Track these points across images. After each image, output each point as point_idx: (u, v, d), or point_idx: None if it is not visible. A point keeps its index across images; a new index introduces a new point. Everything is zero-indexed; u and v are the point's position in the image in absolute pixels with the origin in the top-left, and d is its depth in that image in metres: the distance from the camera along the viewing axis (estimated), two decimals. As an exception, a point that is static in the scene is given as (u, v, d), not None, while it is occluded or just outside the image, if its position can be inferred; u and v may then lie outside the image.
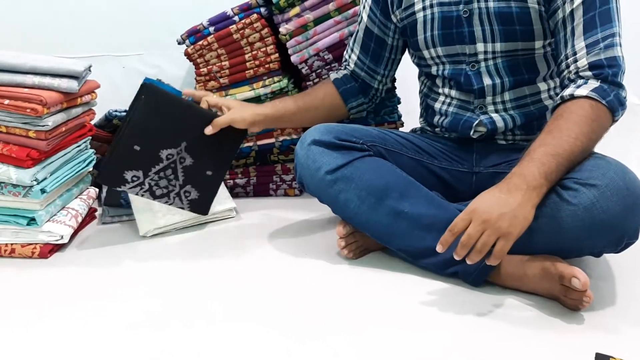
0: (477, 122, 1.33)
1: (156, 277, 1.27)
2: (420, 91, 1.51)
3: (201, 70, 1.76)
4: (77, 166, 1.50)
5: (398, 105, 1.78)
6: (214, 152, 1.40)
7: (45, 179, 1.36)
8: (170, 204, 1.41)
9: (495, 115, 1.32)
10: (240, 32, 1.71)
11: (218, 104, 1.41)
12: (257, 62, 1.73)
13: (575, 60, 1.17)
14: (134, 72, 2.12)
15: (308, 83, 1.74)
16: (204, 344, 1.00)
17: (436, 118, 1.42)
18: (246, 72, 1.74)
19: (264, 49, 1.72)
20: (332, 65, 1.72)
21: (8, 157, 1.32)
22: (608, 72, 1.14)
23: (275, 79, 1.73)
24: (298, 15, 1.69)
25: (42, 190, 1.34)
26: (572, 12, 1.18)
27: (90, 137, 1.57)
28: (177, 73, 2.13)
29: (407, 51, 1.51)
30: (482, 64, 1.31)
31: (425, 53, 1.38)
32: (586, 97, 1.12)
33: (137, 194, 1.38)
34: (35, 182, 1.32)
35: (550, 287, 1.09)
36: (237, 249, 1.40)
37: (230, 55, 1.74)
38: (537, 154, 1.07)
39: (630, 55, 1.21)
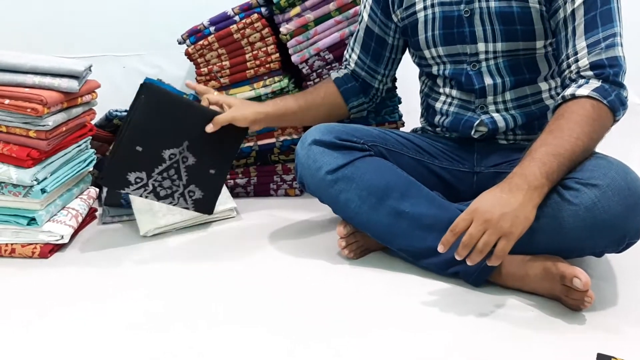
0: (478, 121, 1.33)
1: (157, 277, 1.27)
2: (421, 91, 1.51)
3: (202, 70, 1.76)
4: (78, 166, 1.50)
5: (399, 105, 1.78)
6: (216, 150, 1.40)
7: (45, 178, 1.36)
8: (174, 205, 1.40)
9: (496, 115, 1.32)
10: (241, 32, 1.71)
11: (219, 101, 1.40)
12: (257, 62, 1.73)
13: (577, 60, 1.17)
14: (135, 72, 2.12)
15: (309, 83, 1.74)
16: (204, 345, 1.00)
17: (437, 118, 1.42)
18: (247, 71, 1.74)
19: (264, 49, 1.72)
20: (333, 65, 1.72)
21: (8, 157, 1.32)
22: (609, 72, 1.14)
23: (276, 78, 1.73)
24: (299, 15, 1.69)
25: (43, 190, 1.34)
26: (573, 12, 1.18)
27: (90, 137, 1.57)
28: (177, 73, 2.13)
29: (407, 51, 1.51)
30: (483, 63, 1.30)
31: (426, 53, 1.38)
32: (587, 96, 1.12)
33: (141, 196, 1.37)
34: (35, 182, 1.32)
35: (551, 287, 1.09)
36: (238, 249, 1.40)
37: (230, 55, 1.74)
38: (538, 153, 1.07)
39: (631, 55, 1.21)
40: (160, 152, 1.34)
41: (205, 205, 1.44)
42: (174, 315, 1.10)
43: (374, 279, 1.23)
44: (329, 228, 1.50)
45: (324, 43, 1.69)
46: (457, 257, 1.04)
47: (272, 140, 1.78)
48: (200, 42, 1.73)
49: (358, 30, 1.50)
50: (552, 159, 1.06)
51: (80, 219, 1.47)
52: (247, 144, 1.78)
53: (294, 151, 1.40)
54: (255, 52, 1.72)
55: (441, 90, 1.40)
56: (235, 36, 1.72)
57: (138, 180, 1.33)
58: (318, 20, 1.69)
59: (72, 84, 1.36)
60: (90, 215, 1.59)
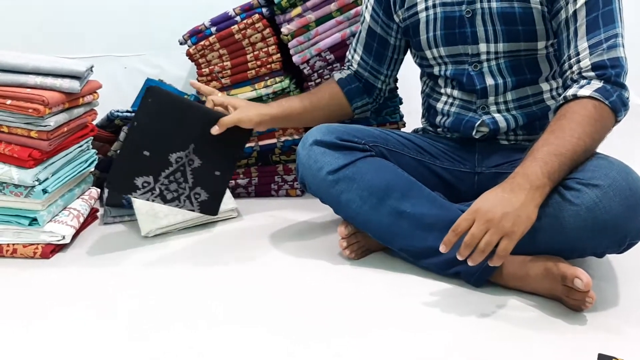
0: (479, 122, 1.33)
1: (158, 277, 1.27)
2: (422, 91, 1.51)
3: (203, 70, 1.76)
4: (79, 166, 1.50)
5: (400, 106, 1.78)
6: (221, 151, 1.39)
7: (47, 179, 1.36)
8: (180, 207, 1.39)
9: (497, 116, 1.32)
10: (242, 32, 1.71)
11: (224, 103, 1.39)
12: (258, 63, 1.73)
13: (578, 61, 1.17)
14: (136, 73, 2.12)
15: (310, 83, 1.74)
16: (205, 345, 1.00)
17: (438, 118, 1.42)
18: (248, 72, 1.74)
19: (265, 49, 1.72)
20: (334, 65, 1.72)
21: (10, 157, 1.32)
22: (611, 73, 1.14)
23: (277, 79, 1.73)
24: (300, 15, 1.69)
25: (44, 191, 1.34)
26: (575, 12, 1.18)
27: (92, 138, 1.57)
28: (178, 73, 2.14)
29: (409, 51, 1.51)
30: (485, 64, 1.30)
31: (428, 53, 1.38)
32: (589, 97, 1.12)
33: (147, 200, 1.35)
34: (37, 183, 1.32)
35: (552, 287, 1.09)
36: (239, 250, 1.40)
37: (232, 56, 1.74)
38: (540, 153, 1.07)
39: (633, 55, 1.21)
40: (167, 155, 1.33)
41: (211, 206, 1.43)
42: (174, 315, 1.10)
43: (374, 279, 1.23)
44: (330, 228, 1.50)
45: (325, 43, 1.69)
46: (459, 257, 1.04)
47: (274, 140, 1.78)
48: (202, 43, 1.73)
49: (360, 31, 1.50)
50: (553, 159, 1.06)
51: (81, 220, 1.48)
52: (248, 145, 1.78)
53: (295, 151, 1.40)
54: (256, 53, 1.73)
55: (442, 90, 1.40)
56: (236, 36, 1.72)
57: (145, 184, 1.32)
58: (319, 21, 1.69)
59: (73, 85, 1.36)
60: (91, 216, 1.59)
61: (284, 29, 1.70)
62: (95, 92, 1.52)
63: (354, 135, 1.31)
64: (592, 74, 1.15)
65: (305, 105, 1.46)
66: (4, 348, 1.00)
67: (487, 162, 1.35)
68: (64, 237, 1.38)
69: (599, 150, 1.15)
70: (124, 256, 1.38)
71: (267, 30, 1.71)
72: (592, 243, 1.09)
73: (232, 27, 1.71)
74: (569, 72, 1.19)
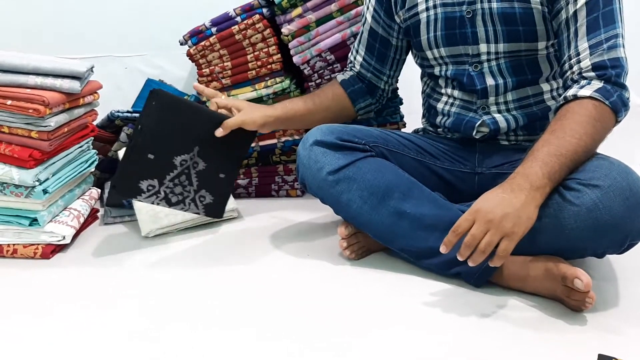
0: (479, 122, 1.33)
1: (158, 278, 1.27)
2: (423, 92, 1.51)
3: (203, 71, 1.76)
4: (80, 167, 1.50)
5: (400, 106, 1.78)
6: (225, 154, 1.38)
7: (47, 179, 1.36)
8: (185, 211, 1.39)
9: (497, 116, 1.32)
10: (243, 32, 1.71)
11: (228, 105, 1.39)
12: (259, 63, 1.73)
13: (579, 61, 1.17)
14: (136, 73, 2.12)
15: (310, 84, 1.74)
16: (206, 346, 1.00)
17: (439, 118, 1.42)
18: (248, 72, 1.74)
19: (266, 50, 1.72)
20: (334, 66, 1.72)
21: (10, 158, 1.32)
22: (611, 73, 1.14)
23: (277, 79, 1.73)
24: (300, 15, 1.69)
25: (45, 191, 1.34)
26: (575, 13, 1.18)
27: (92, 138, 1.57)
28: (179, 74, 2.14)
29: (410, 52, 1.51)
30: (485, 64, 1.30)
31: (429, 53, 1.38)
32: (589, 97, 1.12)
33: (152, 203, 1.35)
34: (37, 183, 1.32)
35: (552, 288, 1.09)
36: (239, 250, 1.40)
37: (232, 56, 1.74)
38: (540, 154, 1.07)
39: (633, 56, 1.21)
40: (171, 158, 1.33)
41: (216, 209, 1.42)
42: (174, 316, 1.10)
43: (375, 279, 1.23)
44: (330, 229, 1.50)
45: (326, 44, 1.69)
46: (460, 258, 1.04)
47: (274, 141, 1.78)
48: (202, 43, 1.73)
49: (362, 32, 1.50)
50: (554, 159, 1.06)
51: (82, 220, 1.48)
52: (248, 145, 1.78)
53: (296, 152, 1.40)
54: (256, 53, 1.73)
55: (443, 90, 1.40)
56: (236, 37, 1.72)
57: (150, 187, 1.32)
58: (320, 21, 1.69)
59: (74, 85, 1.36)
60: (92, 216, 1.59)
61: (285, 30, 1.70)
62: (96, 93, 1.52)
63: (354, 135, 1.30)
64: (592, 74, 1.15)
65: (309, 107, 1.46)
66: (4, 348, 1.00)
67: (487, 163, 1.35)
68: (64, 238, 1.38)
69: (599, 150, 1.15)
70: (125, 256, 1.38)
71: (268, 30, 1.71)
72: (593, 243, 1.09)
73: (233, 28, 1.71)
74: (569, 72, 1.19)
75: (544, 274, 1.10)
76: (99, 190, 1.64)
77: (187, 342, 1.01)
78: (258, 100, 1.73)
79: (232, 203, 1.60)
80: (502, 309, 1.09)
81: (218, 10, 1.76)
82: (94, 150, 1.59)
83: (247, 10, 1.72)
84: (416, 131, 1.53)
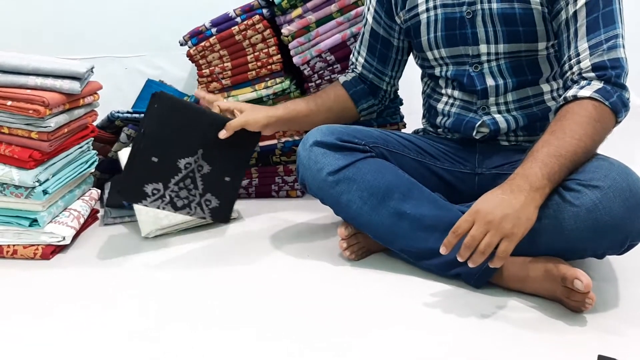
0: (479, 122, 1.33)
1: (158, 279, 1.27)
2: (423, 92, 1.51)
3: (203, 71, 1.76)
4: (80, 167, 1.50)
5: (400, 107, 1.77)
6: (230, 157, 1.38)
7: (47, 180, 1.36)
8: (192, 215, 1.38)
9: (498, 116, 1.32)
10: (243, 33, 1.71)
11: (230, 108, 1.39)
12: (259, 64, 1.73)
13: (579, 62, 1.17)
14: (136, 74, 2.13)
15: (310, 84, 1.74)
16: (206, 346, 1.00)
17: (439, 119, 1.42)
18: (248, 73, 1.74)
19: (266, 50, 1.72)
20: (334, 66, 1.72)
21: (10, 158, 1.32)
22: (611, 74, 1.14)
23: (277, 80, 1.73)
24: (300, 16, 1.69)
25: (45, 192, 1.34)
26: (575, 13, 1.18)
27: (92, 139, 1.57)
28: (179, 74, 2.14)
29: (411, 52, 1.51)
30: (485, 65, 1.30)
31: (429, 54, 1.38)
32: (589, 98, 1.12)
33: (158, 208, 1.34)
34: (37, 184, 1.32)
35: (552, 288, 1.09)
36: (239, 251, 1.41)
37: (232, 57, 1.74)
38: (540, 154, 1.07)
39: (633, 56, 1.21)
40: (175, 161, 1.32)
41: (222, 213, 1.41)
42: (174, 316, 1.10)
43: (375, 280, 1.23)
44: (330, 229, 1.50)
45: (326, 44, 1.69)
46: (459, 259, 1.04)
47: (274, 141, 1.78)
48: (202, 44, 1.73)
49: (363, 33, 1.50)
50: (553, 160, 1.06)
51: (82, 220, 1.48)
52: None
53: (296, 152, 1.40)
54: (256, 54, 1.73)
55: (443, 91, 1.40)
56: (236, 37, 1.72)
57: (155, 191, 1.31)
58: (320, 22, 1.69)
59: (73, 86, 1.36)
60: (92, 217, 1.59)
61: (285, 30, 1.70)
62: (96, 93, 1.52)
63: (354, 136, 1.30)
64: (592, 74, 1.15)
65: (311, 107, 1.46)
66: (4, 349, 1.00)
67: (487, 163, 1.35)
68: (64, 238, 1.38)
69: (599, 151, 1.15)
70: (124, 257, 1.38)
71: (268, 31, 1.71)
72: (592, 244, 1.09)
73: (233, 28, 1.71)
74: (569, 72, 1.19)
75: (543, 274, 1.09)
76: (99, 191, 1.64)
77: (187, 342, 1.01)
78: (258, 100, 1.73)
79: (232, 204, 1.60)
80: (502, 310, 1.09)
81: (218, 10, 1.75)
82: (94, 151, 1.59)
83: (247, 10, 1.72)
84: (416, 132, 1.53)
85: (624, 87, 1.14)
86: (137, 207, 1.52)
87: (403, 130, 1.72)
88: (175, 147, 1.32)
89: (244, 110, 1.38)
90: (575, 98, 1.13)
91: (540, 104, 1.31)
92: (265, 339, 1.02)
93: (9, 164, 1.32)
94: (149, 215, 1.50)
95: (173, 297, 1.18)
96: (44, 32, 2.05)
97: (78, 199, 1.53)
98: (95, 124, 1.61)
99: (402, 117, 1.78)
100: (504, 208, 1.02)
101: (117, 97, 1.99)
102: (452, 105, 1.38)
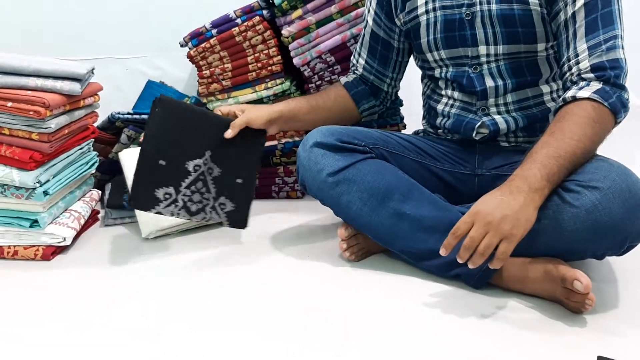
0: (479, 123, 1.33)
1: (158, 279, 1.27)
2: (423, 93, 1.51)
3: (204, 72, 1.76)
4: (80, 168, 1.50)
5: (400, 108, 1.78)
6: (239, 158, 1.37)
7: (48, 181, 1.36)
8: (208, 220, 1.37)
9: (497, 117, 1.32)
10: (243, 34, 1.71)
11: (231, 110, 1.38)
12: (259, 65, 1.73)
13: (578, 62, 1.17)
14: (137, 75, 2.13)
15: (310, 85, 1.75)
16: (206, 347, 1.00)
17: (439, 120, 1.42)
18: (248, 74, 1.74)
19: (266, 52, 1.72)
20: (335, 67, 1.72)
21: (11, 159, 1.32)
22: (610, 74, 1.14)
23: (278, 81, 1.74)
24: (300, 17, 1.69)
25: (45, 193, 1.34)
26: (574, 14, 1.18)
27: (93, 140, 1.57)
28: (180, 75, 2.14)
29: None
30: (485, 66, 1.31)
31: (429, 56, 1.38)
32: (588, 98, 1.12)
33: (172, 214, 1.32)
34: (38, 185, 1.32)
35: (552, 289, 1.09)
36: (239, 251, 1.41)
37: (232, 58, 1.74)
38: (539, 155, 1.07)
39: (632, 57, 1.21)
40: (183, 164, 1.31)
41: (239, 217, 1.38)
42: (175, 317, 1.10)
43: (375, 280, 1.24)
44: (330, 230, 1.51)
45: (326, 45, 1.69)
46: (459, 260, 1.04)
47: (274, 142, 1.78)
48: (203, 45, 1.73)
49: (363, 35, 1.50)
50: (552, 161, 1.06)
51: (82, 221, 1.48)
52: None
53: (296, 153, 1.40)
54: (257, 55, 1.73)
55: (443, 92, 1.40)
56: (237, 39, 1.72)
57: (167, 196, 1.30)
58: (320, 23, 1.69)
59: (74, 87, 1.36)
60: (92, 218, 1.59)
61: (285, 31, 1.70)
62: (96, 94, 1.52)
63: (354, 137, 1.31)
64: (591, 75, 1.15)
65: (312, 105, 1.46)
66: (5, 349, 1.00)
67: (487, 164, 1.36)
68: (64, 239, 1.38)
69: (598, 152, 1.15)
70: (125, 258, 1.38)
71: (268, 32, 1.71)
72: (592, 245, 1.09)
73: (233, 30, 1.71)
74: (568, 73, 1.19)
75: (543, 275, 1.10)
76: (100, 192, 1.64)
77: (187, 343, 1.01)
78: (258, 102, 1.74)
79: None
80: (501, 311, 1.09)
81: (218, 12, 1.76)
82: (95, 152, 1.59)
83: (248, 12, 1.73)
84: (416, 133, 1.53)
85: (623, 88, 1.15)
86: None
87: (403, 131, 1.72)
88: (181, 150, 1.31)
89: (245, 110, 1.38)
90: (575, 99, 1.13)
91: (539, 105, 1.32)
92: (265, 339, 1.02)
93: (10, 165, 1.32)
94: (150, 217, 1.49)
95: (173, 298, 1.18)
96: (44, 32, 2.05)
97: (78, 200, 1.53)
98: (95, 125, 1.61)
99: (402, 118, 1.78)
100: (503, 209, 1.02)
101: (117, 98, 1.99)
102: (451, 106, 1.38)
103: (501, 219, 1.01)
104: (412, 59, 1.52)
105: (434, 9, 1.32)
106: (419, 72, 1.51)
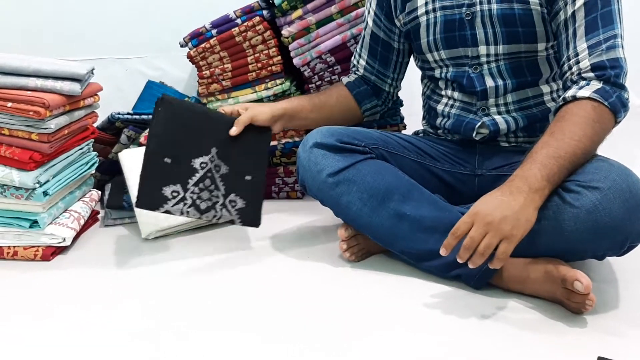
0: (479, 124, 1.33)
1: (158, 280, 1.27)
2: (423, 93, 1.51)
3: (204, 72, 1.76)
4: (80, 169, 1.50)
5: (400, 108, 1.78)
6: (246, 155, 1.36)
7: (47, 181, 1.36)
8: (219, 219, 1.35)
9: (497, 117, 1.32)
10: (243, 34, 1.71)
11: (234, 109, 1.38)
12: (259, 65, 1.73)
13: (578, 62, 1.17)
14: (137, 75, 2.13)
15: (310, 86, 1.74)
16: (206, 347, 1.00)
17: (439, 120, 1.42)
18: (248, 74, 1.74)
19: (266, 52, 1.72)
20: (335, 67, 1.72)
21: (11, 160, 1.32)
22: (610, 74, 1.14)
23: (278, 81, 1.73)
24: (300, 17, 1.69)
25: (45, 193, 1.34)
26: (573, 13, 1.18)
27: (92, 140, 1.57)
28: (180, 75, 2.14)
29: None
30: (485, 66, 1.30)
31: (429, 56, 1.38)
32: (588, 98, 1.12)
33: (182, 213, 1.31)
34: (37, 185, 1.32)
35: (552, 290, 1.09)
36: (240, 252, 1.41)
37: (232, 58, 1.74)
38: (539, 156, 1.07)
39: (633, 56, 1.21)
40: (189, 161, 1.31)
41: (251, 215, 1.37)
42: (174, 317, 1.10)
43: (375, 281, 1.23)
44: (330, 231, 1.50)
45: (326, 46, 1.69)
46: (459, 260, 1.04)
47: (274, 142, 1.78)
48: (202, 45, 1.73)
49: (364, 36, 1.50)
50: (552, 162, 1.06)
51: (82, 222, 1.48)
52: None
53: (296, 154, 1.39)
54: (257, 55, 1.73)
55: (443, 92, 1.40)
56: (237, 39, 1.72)
57: (175, 193, 1.29)
58: (320, 23, 1.69)
59: (74, 87, 1.36)
60: (92, 218, 1.59)
61: (285, 32, 1.70)
62: (96, 95, 1.52)
63: (354, 137, 1.31)
64: (591, 74, 1.15)
65: (315, 102, 1.46)
66: (5, 349, 1.00)
67: (487, 164, 1.35)
68: (64, 240, 1.38)
69: (598, 152, 1.15)
70: (125, 258, 1.38)
71: (268, 32, 1.71)
72: (592, 246, 1.09)
73: (233, 30, 1.71)
74: (568, 73, 1.19)
75: (543, 276, 1.09)
76: (99, 192, 1.64)
77: (187, 343, 1.01)
78: (258, 102, 1.73)
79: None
80: (502, 311, 1.09)
81: (218, 12, 1.76)
82: (95, 152, 1.59)
83: (248, 12, 1.72)
84: (416, 133, 1.53)
85: (623, 87, 1.14)
86: (138, 209, 1.51)
87: (403, 132, 1.72)
88: (186, 147, 1.31)
89: (248, 107, 1.38)
90: (575, 98, 1.13)
91: (540, 105, 1.31)
92: (265, 339, 1.02)
93: (10, 166, 1.32)
94: (149, 217, 1.49)
95: (173, 298, 1.18)
96: (44, 32, 2.05)
97: (78, 200, 1.53)
98: (95, 125, 1.61)
99: (402, 119, 1.78)
100: (503, 209, 1.02)
101: (117, 99, 1.99)
102: (452, 106, 1.38)
103: (501, 220, 1.01)
104: (412, 59, 1.52)
105: (434, 10, 1.32)
106: (419, 73, 1.51)
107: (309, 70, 1.72)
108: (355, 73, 1.54)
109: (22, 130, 1.31)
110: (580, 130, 1.09)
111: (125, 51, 2.11)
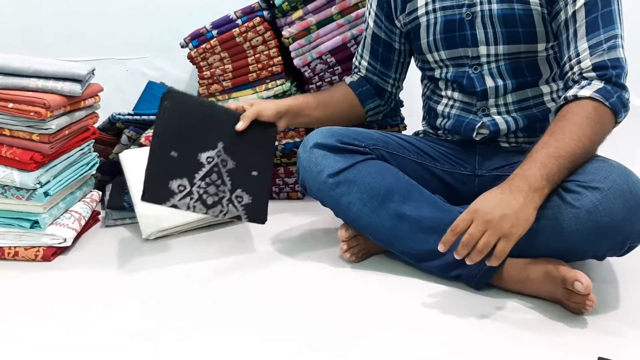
0: (479, 124, 1.33)
1: (158, 280, 1.27)
2: (423, 94, 1.51)
3: (204, 73, 1.76)
4: (81, 169, 1.51)
5: (401, 108, 1.78)
6: (252, 151, 1.36)
7: (48, 182, 1.36)
8: (225, 214, 1.34)
9: (497, 118, 1.32)
10: (243, 35, 1.71)
11: (239, 105, 1.37)
12: (260, 66, 1.73)
13: (579, 62, 1.17)
14: (138, 75, 2.13)
15: (311, 86, 1.75)
16: (206, 347, 1.00)
17: (439, 120, 1.42)
18: (249, 75, 1.74)
19: (266, 52, 1.72)
20: (335, 68, 1.72)
21: (12, 160, 1.32)
22: (612, 73, 1.14)
23: (278, 82, 1.74)
24: (301, 18, 1.69)
25: (46, 194, 1.34)
26: (574, 13, 1.18)
27: (93, 140, 1.58)
28: (180, 76, 2.14)
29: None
30: (485, 66, 1.31)
31: (429, 57, 1.38)
32: (589, 98, 1.12)
33: (188, 208, 1.30)
34: (38, 185, 1.32)
35: (552, 290, 1.09)
36: (240, 252, 1.41)
37: (233, 59, 1.74)
38: (539, 155, 1.07)
39: (633, 56, 1.21)
40: (196, 155, 1.30)
41: (257, 211, 1.37)
42: (175, 317, 1.10)
43: (375, 281, 1.23)
44: (330, 231, 1.50)
45: (326, 46, 1.69)
46: (457, 256, 1.04)
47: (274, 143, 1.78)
48: (203, 46, 1.73)
49: (365, 37, 1.50)
50: (552, 161, 1.06)
51: (83, 222, 1.48)
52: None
53: (296, 154, 1.39)
54: (257, 56, 1.73)
55: (443, 93, 1.40)
56: (237, 40, 1.72)
57: (181, 187, 1.28)
58: (320, 24, 1.69)
59: (75, 88, 1.36)
60: (93, 218, 1.59)
61: (285, 32, 1.70)
62: (97, 95, 1.52)
63: (354, 138, 1.31)
64: (593, 74, 1.15)
65: (319, 100, 1.47)
66: (5, 349, 1.00)
67: (487, 165, 1.35)
68: (65, 240, 1.38)
69: (599, 152, 1.15)
70: (125, 259, 1.38)
71: (268, 33, 1.71)
72: (593, 246, 1.09)
73: (233, 30, 1.71)
74: (569, 73, 1.19)
75: (544, 276, 1.09)
76: (100, 193, 1.64)
77: (187, 343, 1.01)
78: (259, 102, 1.74)
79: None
80: (502, 311, 1.09)
81: (219, 12, 1.76)
82: (95, 153, 1.59)
83: (248, 12, 1.73)
84: (416, 133, 1.53)
85: (624, 88, 1.15)
86: (138, 209, 1.51)
87: (403, 132, 1.72)
88: (192, 141, 1.30)
89: (253, 103, 1.38)
90: (576, 98, 1.13)
91: (540, 105, 1.32)
92: (265, 339, 1.02)
93: (11, 166, 1.32)
94: (150, 217, 1.50)
95: (173, 298, 1.18)
96: (44, 32, 2.05)
97: (79, 200, 1.53)
98: (96, 126, 1.61)
99: (402, 119, 1.78)
100: (503, 208, 1.02)
101: (118, 99, 1.99)
102: (452, 107, 1.38)
103: (500, 218, 1.01)
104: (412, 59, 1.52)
105: (434, 10, 1.32)
106: (419, 73, 1.51)
107: (309, 70, 1.72)
108: (357, 74, 1.54)
109: (23, 130, 1.31)
110: (581, 130, 1.09)
111: (125, 52, 2.12)
